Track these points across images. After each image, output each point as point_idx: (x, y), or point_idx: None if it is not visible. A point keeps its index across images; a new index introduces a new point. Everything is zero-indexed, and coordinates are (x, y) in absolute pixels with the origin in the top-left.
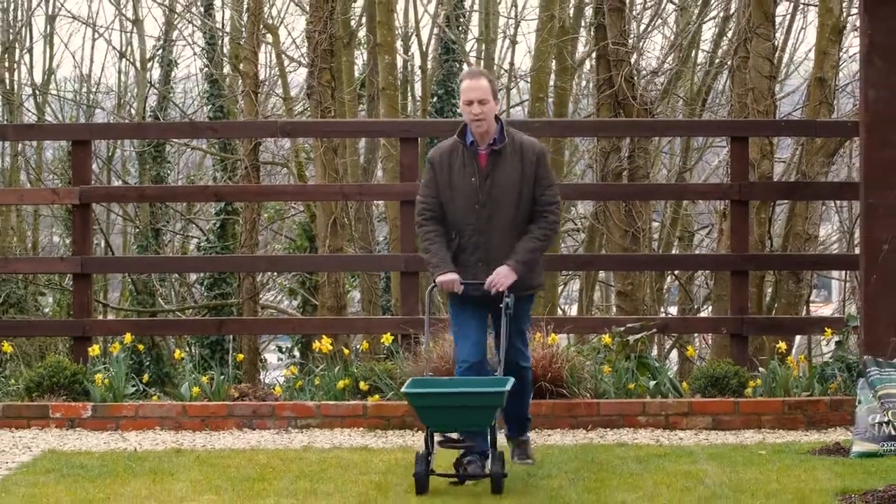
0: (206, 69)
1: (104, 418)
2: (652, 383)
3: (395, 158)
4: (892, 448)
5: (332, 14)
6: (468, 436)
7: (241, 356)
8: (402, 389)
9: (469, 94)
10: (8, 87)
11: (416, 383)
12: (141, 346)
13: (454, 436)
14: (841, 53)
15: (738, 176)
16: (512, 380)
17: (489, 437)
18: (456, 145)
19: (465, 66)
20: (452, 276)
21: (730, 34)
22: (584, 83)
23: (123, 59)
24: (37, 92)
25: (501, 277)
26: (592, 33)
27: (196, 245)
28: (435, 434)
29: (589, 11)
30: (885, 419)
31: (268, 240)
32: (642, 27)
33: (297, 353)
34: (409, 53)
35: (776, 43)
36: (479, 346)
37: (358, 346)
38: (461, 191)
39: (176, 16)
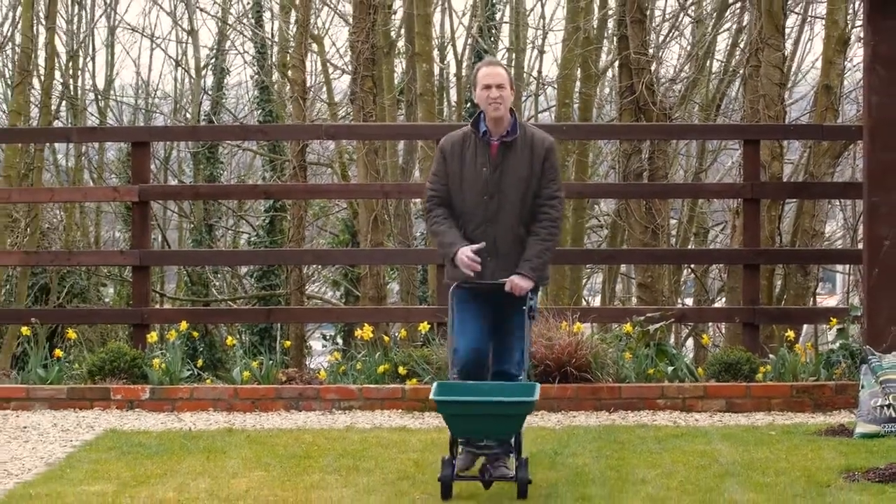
0: (257, 76)
1: (161, 400)
2: (670, 369)
3: (431, 159)
4: (893, 429)
5: (373, 25)
6: (493, 442)
7: (288, 343)
8: (431, 396)
9: (487, 80)
10: (72, 93)
11: (443, 388)
12: (195, 334)
13: (480, 442)
14: (846, 63)
15: (750, 176)
16: (538, 386)
17: (514, 443)
18: (468, 135)
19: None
20: (470, 252)
21: (742, 45)
22: (607, 90)
23: (179, 68)
24: (99, 97)
25: (520, 287)
26: (615, 43)
27: (246, 240)
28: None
29: (612, 23)
30: (887, 402)
31: (313, 235)
32: (661, 38)
33: (340, 341)
34: (445, 62)
35: (785, 53)
36: (480, 342)
37: (397, 334)
38: (471, 181)
39: (228, 27)
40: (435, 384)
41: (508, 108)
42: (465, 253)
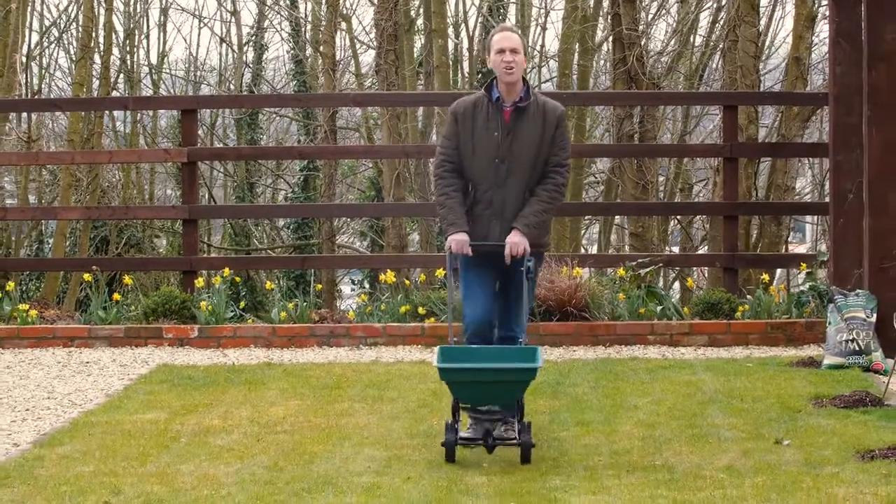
0: (292, 51)
1: (208, 338)
2: (659, 308)
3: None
4: (856, 361)
5: (395, 5)
6: (495, 407)
7: (320, 287)
8: (434, 363)
9: (502, 43)
10: (129, 67)
11: (445, 353)
12: (238, 279)
13: (483, 407)
14: (814, 38)
15: (729, 138)
16: (540, 349)
17: (517, 408)
18: (481, 100)
19: None
20: (463, 238)
21: (722, 22)
22: (602, 62)
23: (223, 44)
24: (152, 70)
25: (518, 244)
26: (609, 21)
27: (284, 196)
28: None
29: (606, 2)
30: (851, 337)
31: (343, 191)
32: (650, 16)
33: (366, 285)
34: (459, 38)
35: (760, 29)
36: (487, 308)
37: (417, 279)
38: (482, 145)
39: (267, 7)
40: (437, 349)
41: (521, 75)
42: (460, 239)
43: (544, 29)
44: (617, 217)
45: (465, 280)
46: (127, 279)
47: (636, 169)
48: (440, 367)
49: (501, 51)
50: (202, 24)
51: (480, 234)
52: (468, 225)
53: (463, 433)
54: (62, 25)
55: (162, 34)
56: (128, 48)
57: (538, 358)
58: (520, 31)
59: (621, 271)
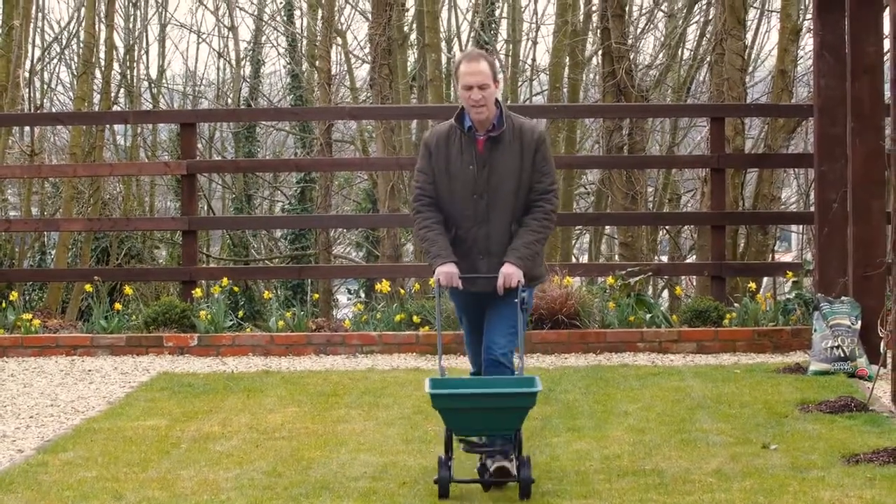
0: (288, 66)
1: (207, 346)
2: (648, 316)
3: None
4: (841, 367)
5: (389, 21)
6: (492, 439)
7: (317, 296)
8: (425, 390)
9: (468, 79)
10: (129, 81)
11: (437, 384)
12: (236, 289)
13: (476, 439)
14: (798, 51)
15: (716, 149)
16: (538, 378)
17: (514, 440)
18: (453, 130)
19: (496, 63)
20: (452, 269)
21: (709, 35)
22: (592, 75)
23: (221, 59)
24: (152, 85)
25: (511, 275)
26: (598, 35)
27: (281, 207)
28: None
29: (595, 17)
30: (836, 344)
31: (339, 203)
32: (639, 30)
33: (362, 294)
34: (452, 52)
35: (746, 42)
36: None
37: (411, 288)
38: (458, 179)
39: (264, 23)
40: (427, 380)
41: (493, 103)
42: (448, 270)
43: (535, 43)
44: (607, 227)
45: (463, 323)
46: (127, 289)
47: (625, 180)
48: (432, 393)
49: (468, 87)
50: (200, 40)
51: (469, 272)
52: (455, 266)
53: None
54: (64, 41)
55: (161, 49)
56: (128, 63)
57: (537, 384)
58: (486, 55)
59: (611, 280)
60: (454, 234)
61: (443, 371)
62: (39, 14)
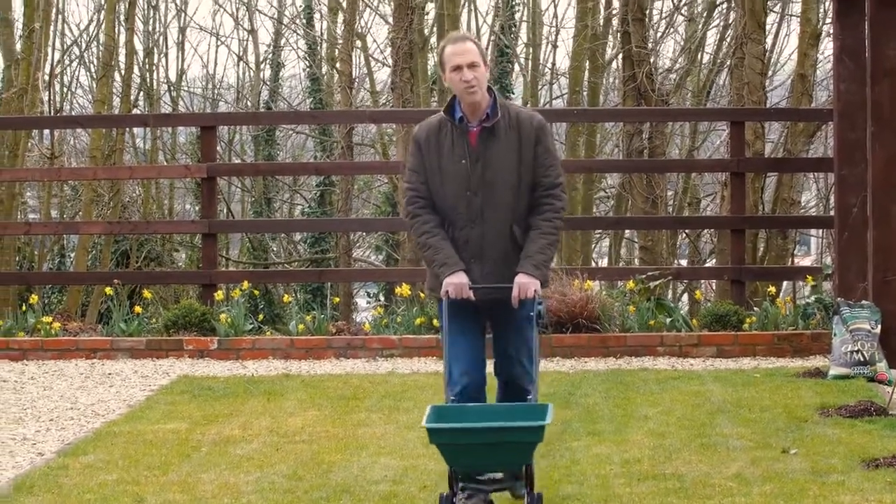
0: (309, 69)
1: (227, 350)
2: (668, 320)
3: None
4: (861, 371)
5: (410, 24)
6: (498, 475)
7: (337, 299)
8: (423, 423)
9: (455, 59)
10: (148, 85)
11: (438, 413)
12: (256, 292)
13: (482, 476)
14: (818, 55)
15: (736, 153)
16: (551, 406)
17: (525, 476)
18: (443, 122)
19: (516, 66)
20: (462, 279)
21: (729, 39)
22: (612, 79)
23: (241, 62)
24: (171, 88)
25: (528, 285)
26: (619, 39)
27: (301, 211)
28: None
29: (616, 21)
30: (856, 348)
31: (358, 206)
32: (659, 34)
33: (382, 297)
34: None
35: (766, 46)
36: (478, 365)
37: None
38: (451, 175)
39: (284, 26)
40: (428, 408)
41: (486, 89)
42: (459, 281)
43: (555, 47)
44: (627, 231)
45: (451, 332)
46: (147, 293)
47: (646, 184)
48: (429, 427)
49: (458, 67)
50: (220, 43)
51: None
52: (465, 274)
53: None
54: (83, 44)
55: (180, 52)
56: (147, 66)
57: (548, 415)
58: (471, 36)
59: (631, 284)
60: (449, 234)
61: (448, 398)
62: (59, 17)
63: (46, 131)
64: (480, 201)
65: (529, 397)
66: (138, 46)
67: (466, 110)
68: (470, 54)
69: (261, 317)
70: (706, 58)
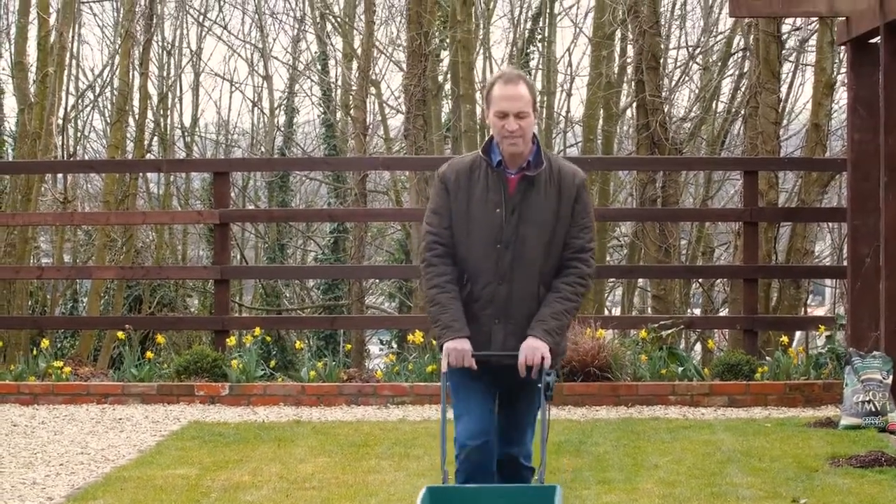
0: (323, 115)
1: (238, 395)
2: (680, 369)
3: None
4: (873, 422)
5: (424, 72)
6: None
7: (349, 346)
8: None
9: (502, 105)
10: (162, 130)
11: (435, 495)
12: (269, 338)
13: None
14: (832, 104)
15: (749, 202)
16: (559, 489)
17: None
18: (478, 163)
19: None
20: (464, 346)
21: (743, 88)
22: (626, 128)
23: (255, 108)
24: (185, 133)
25: (536, 350)
26: (633, 87)
27: (314, 257)
28: None
29: (630, 70)
30: (867, 398)
31: (371, 253)
32: (673, 82)
33: (394, 345)
34: None
35: (780, 96)
36: (486, 424)
37: None
38: (481, 224)
39: (298, 73)
40: (424, 490)
41: (530, 137)
42: (460, 347)
43: (569, 95)
44: (640, 279)
45: (459, 393)
46: (159, 338)
47: (659, 232)
48: None
49: (503, 115)
50: (234, 89)
51: (479, 340)
52: (468, 341)
53: None
54: (97, 89)
55: (195, 98)
56: (161, 111)
57: (556, 498)
58: (525, 77)
59: (643, 333)
60: (469, 289)
61: (445, 477)
62: (73, 61)
63: (60, 175)
64: (511, 257)
65: (536, 478)
66: (152, 91)
67: (506, 155)
68: (520, 103)
69: (272, 363)
70: (720, 107)
